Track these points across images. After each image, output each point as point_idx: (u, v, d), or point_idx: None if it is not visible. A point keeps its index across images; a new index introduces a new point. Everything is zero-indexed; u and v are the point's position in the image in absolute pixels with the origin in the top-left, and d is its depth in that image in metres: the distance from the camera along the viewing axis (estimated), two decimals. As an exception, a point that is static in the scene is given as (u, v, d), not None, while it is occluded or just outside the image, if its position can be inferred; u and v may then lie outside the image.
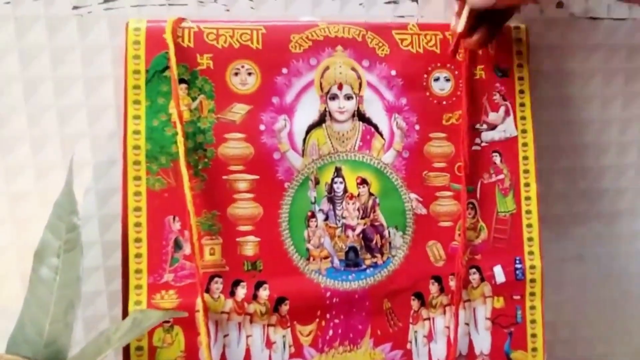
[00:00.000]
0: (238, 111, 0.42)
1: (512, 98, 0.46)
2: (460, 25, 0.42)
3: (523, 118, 0.46)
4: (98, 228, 0.44)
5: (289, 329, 0.42)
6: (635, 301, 0.57)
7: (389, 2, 0.46)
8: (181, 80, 0.41)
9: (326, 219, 0.43)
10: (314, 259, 0.43)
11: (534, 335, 0.46)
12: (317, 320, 0.43)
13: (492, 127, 0.46)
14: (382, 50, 0.44)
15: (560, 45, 0.50)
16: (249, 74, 0.42)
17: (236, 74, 0.42)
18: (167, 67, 0.40)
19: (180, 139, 0.40)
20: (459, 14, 0.43)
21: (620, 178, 0.53)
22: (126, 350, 0.40)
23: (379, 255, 0.43)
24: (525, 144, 0.46)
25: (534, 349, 0.46)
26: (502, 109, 0.46)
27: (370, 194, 0.44)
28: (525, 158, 0.46)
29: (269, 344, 0.42)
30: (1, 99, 0.42)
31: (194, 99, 0.41)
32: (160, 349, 0.40)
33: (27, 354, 0.37)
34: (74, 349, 0.37)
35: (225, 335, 0.41)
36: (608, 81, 0.51)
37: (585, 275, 0.55)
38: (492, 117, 0.46)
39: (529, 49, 0.46)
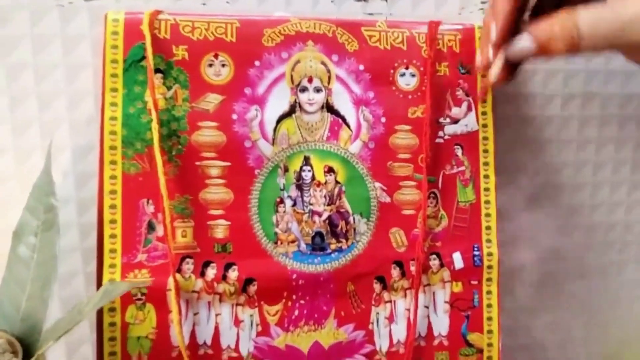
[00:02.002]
0: (211, 101, 0.44)
1: (474, 94, 0.48)
2: (493, 74, 0.40)
3: (484, 113, 0.48)
4: (76, 210, 0.46)
5: (256, 309, 0.44)
6: (585, 293, 0.60)
7: (359, 0, 0.48)
8: (157, 70, 0.42)
9: (294, 205, 0.45)
10: (281, 243, 0.45)
11: (489, 319, 0.48)
12: (284, 300, 0.45)
13: (455, 121, 0.48)
14: (351, 45, 0.46)
15: (522, 45, 0.52)
16: (223, 65, 0.44)
17: (210, 65, 0.43)
18: (143, 57, 0.42)
19: (155, 125, 0.41)
20: (485, 54, 0.40)
21: (578, 173, 0.56)
22: (99, 325, 0.42)
23: (343, 241, 0.46)
24: (485, 138, 0.48)
25: (490, 331, 0.48)
26: (464, 104, 0.48)
27: (337, 182, 0.46)
28: (486, 151, 0.48)
29: (237, 322, 0.44)
30: (-17, 84, 0.44)
31: (169, 88, 0.43)
32: (132, 325, 0.42)
33: (4, 327, 0.38)
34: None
35: (196, 314, 0.43)
36: (568, 81, 0.54)
37: (542, 263, 0.57)
38: (455, 111, 0.48)
39: (491, 47, 0.49)
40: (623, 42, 0.33)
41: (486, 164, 0.48)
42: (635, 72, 0.55)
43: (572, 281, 0.58)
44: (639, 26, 0.32)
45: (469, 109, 0.48)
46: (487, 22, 0.40)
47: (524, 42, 0.37)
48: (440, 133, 0.48)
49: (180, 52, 0.43)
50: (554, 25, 0.35)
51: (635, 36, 0.32)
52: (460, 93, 0.48)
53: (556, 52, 0.36)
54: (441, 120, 0.48)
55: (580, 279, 0.58)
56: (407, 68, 0.47)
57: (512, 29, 0.38)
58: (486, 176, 0.48)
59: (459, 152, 0.48)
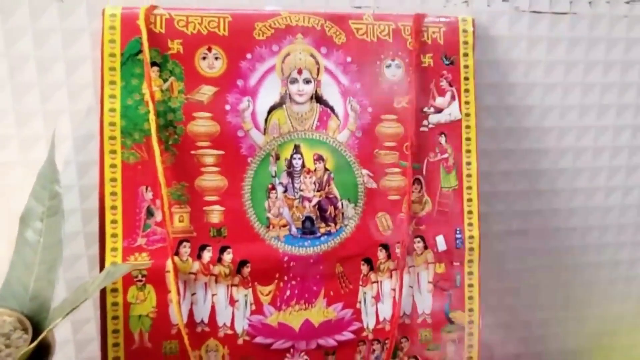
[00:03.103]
0: (205, 92, 0.46)
1: (458, 84, 0.50)
2: None
3: (467, 103, 0.51)
4: (78, 197, 0.49)
5: (250, 289, 0.47)
6: (571, 274, 0.62)
7: (347, -6, 0.50)
8: (153, 63, 0.44)
9: (285, 191, 0.47)
10: (273, 227, 0.47)
11: (471, 298, 0.51)
12: (276, 281, 0.47)
13: (439, 110, 0.50)
14: (339, 38, 0.48)
15: (505, 37, 0.54)
16: (216, 58, 0.46)
17: (204, 58, 0.46)
18: (140, 51, 0.44)
19: (152, 117, 0.44)
20: None
21: (560, 160, 0.58)
22: (103, 305, 0.44)
23: (332, 225, 0.48)
24: (468, 127, 0.51)
25: (471, 310, 0.51)
26: (448, 94, 0.50)
27: (326, 169, 0.48)
28: (468, 139, 0.51)
29: (232, 301, 0.47)
30: (-13, 77, 0.46)
31: (165, 81, 0.45)
32: (133, 305, 0.45)
33: (14, 306, 0.41)
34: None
35: (193, 294, 0.46)
36: (549, 71, 0.56)
37: (528, 248, 0.60)
38: (439, 101, 0.50)
39: (475, 39, 0.51)
40: None
41: (468, 151, 0.51)
42: (614, 62, 0.57)
43: (553, 262, 0.61)
44: None
45: (453, 98, 0.50)
46: None
47: None
48: (425, 122, 0.50)
49: (175, 46, 0.45)
50: None
51: None
52: (444, 83, 0.50)
53: None
54: (425, 109, 0.50)
55: (559, 259, 0.61)
56: (393, 59, 0.49)
57: None
58: (468, 163, 0.51)
59: (442, 140, 0.50)
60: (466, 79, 0.50)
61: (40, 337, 0.34)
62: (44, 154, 0.43)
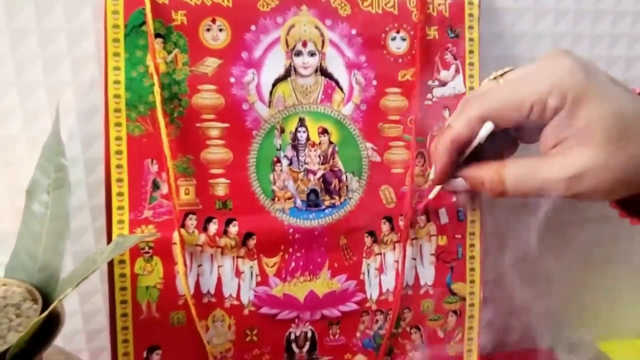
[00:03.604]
0: (210, 64, 0.45)
1: (462, 58, 0.50)
2: (432, 193, 0.48)
3: (471, 76, 0.51)
4: (83, 170, 0.49)
5: (255, 261, 0.48)
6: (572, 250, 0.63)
7: (352, -35, 0.50)
8: (157, 35, 0.44)
9: (290, 164, 0.48)
10: (278, 200, 0.48)
11: (472, 269, 0.52)
12: (281, 253, 0.48)
13: (443, 84, 0.50)
14: (344, 10, 0.48)
15: (510, 9, 0.54)
16: (220, 30, 0.45)
17: (208, 29, 0.45)
18: (144, 22, 0.44)
19: (157, 89, 0.43)
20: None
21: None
22: (111, 277, 0.45)
23: (337, 197, 0.49)
24: (472, 100, 0.51)
25: (472, 281, 0.52)
26: (452, 68, 0.50)
27: (330, 143, 0.48)
28: (472, 113, 0.51)
29: (238, 273, 0.48)
30: (-11, 49, 0.45)
31: (169, 53, 0.45)
32: (141, 276, 0.45)
33: (23, 277, 0.41)
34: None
35: (199, 265, 0.47)
36: (555, 44, 0.56)
37: (529, 220, 0.61)
38: (444, 74, 0.50)
39: (480, 12, 0.50)
40: (542, 195, 0.38)
41: (472, 125, 0.51)
42: (621, 35, 0.57)
43: (554, 235, 0.62)
44: (551, 187, 0.37)
45: (457, 72, 0.50)
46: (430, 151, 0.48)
47: (458, 184, 0.43)
48: (429, 95, 0.50)
49: (179, 17, 0.45)
50: (484, 177, 0.40)
51: (550, 192, 0.37)
52: (448, 57, 0.50)
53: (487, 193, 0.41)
54: (430, 82, 0.50)
55: (562, 232, 0.62)
56: (397, 32, 0.49)
57: (450, 172, 0.42)
58: (472, 137, 0.51)
59: (446, 113, 0.50)
60: (471, 52, 0.50)
61: (51, 307, 0.35)
62: (48, 127, 0.42)
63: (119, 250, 0.37)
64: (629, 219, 0.44)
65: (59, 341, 0.35)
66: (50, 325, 0.37)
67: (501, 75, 0.41)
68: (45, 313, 0.34)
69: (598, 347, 0.65)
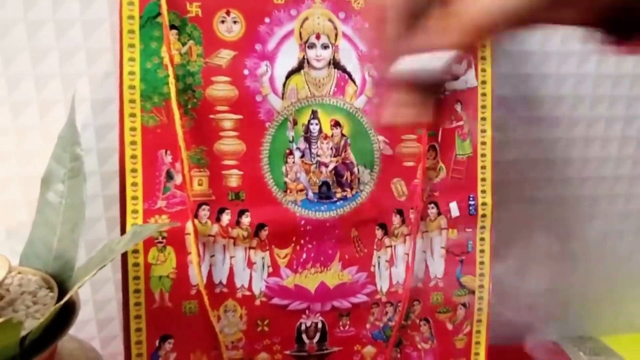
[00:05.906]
0: (224, 56, 0.46)
1: (475, 52, 0.50)
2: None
3: (483, 70, 0.51)
4: (96, 160, 0.49)
5: (267, 252, 0.48)
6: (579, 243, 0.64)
7: (365, -42, 0.50)
8: (172, 27, 0.44)
9: (302, 156, 0.48)
10: (290, 192, 0.48)
11: (482, 263, 0.52)
12: (293, 245, 0.48)
13: (455, 78, 0.50)
14: (357, 3, 0.48)
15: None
16: (235, 22, 0.46)
17: (223, 21, 0.45)
18: (159, 14, 0.44)
19: (171, 80, 0.44)
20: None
21: (573, 129, 0.59)
22: (124, 266, 0.45)
23: (348, 190, 0.49)
24: (484, 94, 0.51)
25: (482, 275, 0.52)
26: (464, 62, 0.50)
27: (343, 135, 0.49)
28: (483, 107, 0.51)
29: (250, 264, 0.48)
30: (7, 40, 0.45)
31: (183, 44, 0.45)
32: (154, 266, 0.46)
33: (38, 266, 0.42)
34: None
35: (212, 256, 0.47)
36: (566, 39, 0.56)
37: (536, 215, 0.61)
38: (455, 68, 0.50)
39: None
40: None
41: (484, 119, 0.51)
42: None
43: (563, 230, 0.62)
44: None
45: (469, 66, 0.50)
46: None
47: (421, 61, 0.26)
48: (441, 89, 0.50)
49: (194, 9, 0.45)
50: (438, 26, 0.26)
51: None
52: (461, 50, 0.50)
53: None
54: (442, 76, 0.50)
55: (570, 227, 0.62)
56: (410, 26, 0.49)
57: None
58: (483, 130, 0.51)
59: (458, 107, 0.50)
60: (483, 45, 0.50)
61: (70, 294, 0.35)
62: (63, 117, 0.43)
63: (136, 240, 0.38)
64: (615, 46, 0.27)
65: (71, 329, 0.35)
66: (65, 313, 0.37)
67: None
68: (65, 299, 0.35)
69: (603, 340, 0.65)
